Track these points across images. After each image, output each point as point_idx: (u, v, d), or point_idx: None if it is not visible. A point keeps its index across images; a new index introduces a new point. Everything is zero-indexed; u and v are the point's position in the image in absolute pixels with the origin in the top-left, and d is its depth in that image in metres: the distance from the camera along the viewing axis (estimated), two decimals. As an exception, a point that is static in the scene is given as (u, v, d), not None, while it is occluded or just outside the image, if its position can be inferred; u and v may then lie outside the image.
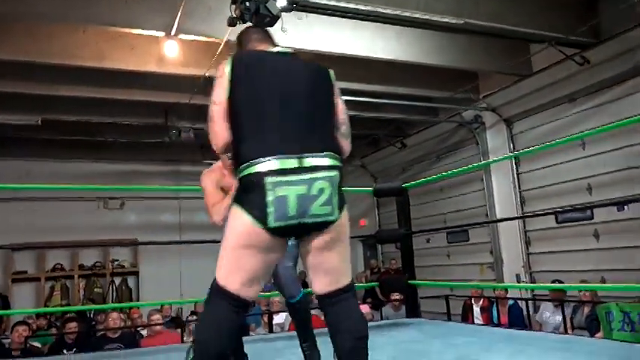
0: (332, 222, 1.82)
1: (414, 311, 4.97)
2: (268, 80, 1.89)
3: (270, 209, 1.73)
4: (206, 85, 6.65)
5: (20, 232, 8.84)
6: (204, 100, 7.28)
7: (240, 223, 1.79)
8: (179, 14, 5.00)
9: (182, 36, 5.47)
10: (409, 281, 4.87)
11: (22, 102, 7.53)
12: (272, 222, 1.74)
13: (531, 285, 7.48)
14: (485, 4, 5.77)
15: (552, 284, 6.31)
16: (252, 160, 1.77)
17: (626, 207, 6.28)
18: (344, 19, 5.56)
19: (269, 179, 1.73)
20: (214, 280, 1.86)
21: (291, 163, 1.76)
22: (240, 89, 1.88)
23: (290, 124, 1.84)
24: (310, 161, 1.79)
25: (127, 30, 5.50)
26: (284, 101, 1.86)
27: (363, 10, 5.23)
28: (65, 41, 5.92)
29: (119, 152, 10.02)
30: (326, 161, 1.82)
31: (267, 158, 1.75)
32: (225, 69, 1.91)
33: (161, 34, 5.44)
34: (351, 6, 5.13)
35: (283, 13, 4.16)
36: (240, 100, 1.87)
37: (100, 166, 10.13)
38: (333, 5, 5.10)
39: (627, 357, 2.85)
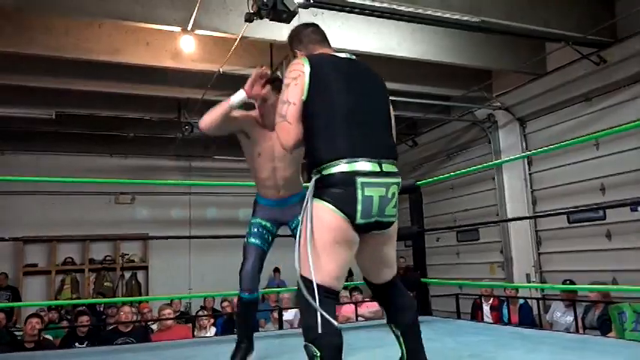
0: (394, 222, 2.03)
1: (425, 309, 4.96)
2: (344, 85, 2.01)
3: (359, 207, 1.88)
4: (220, 80, 6.68)
5: (32, 225, 8.95)
6: (217, 95, 7.39)
7: (332, 218, 1.89)
8: (196, 9, 5.01)
9: (198, 31, 5.47)
10: (421, 279, 4.85)
11: (36, 96, 7.59)
12: (359, 218, 1.89)
13: (542, 285, 7.44)
14: (502, 3, 5.74)
15: (564, 284, 6.28)
16: (338, 159, 1.89)
17: (639, 207, 6.24)
18: (359, 16, 5.54)
19: (360, 179, 1.87)
20: (309, 280, 1.86)
21: (375, 166, 1.92)
22: (319, 92, 1.97)
23: (367, 130, 1.99)
24: (386, 167, 1.95)
25: (142, 25, 5.50)
26: (359, 107, 2.00)
27: (379, 7, 5.20)
28: (81, 36, 5.96)
29: (131, 147, 10.04)
30: (395, 168, 2.01)
31: (357, 159, 1.89)
32: (305, 70, 1.98)
33: (177, 29, 5.45)
34: (367, 3, 5.11)
35: (299, 9, 4.16)
36: (320, 103, 1.96)
37: (112, 160, 10.20)
38: (349, 2, 5.08)
39: (644, 357, 2.83)
